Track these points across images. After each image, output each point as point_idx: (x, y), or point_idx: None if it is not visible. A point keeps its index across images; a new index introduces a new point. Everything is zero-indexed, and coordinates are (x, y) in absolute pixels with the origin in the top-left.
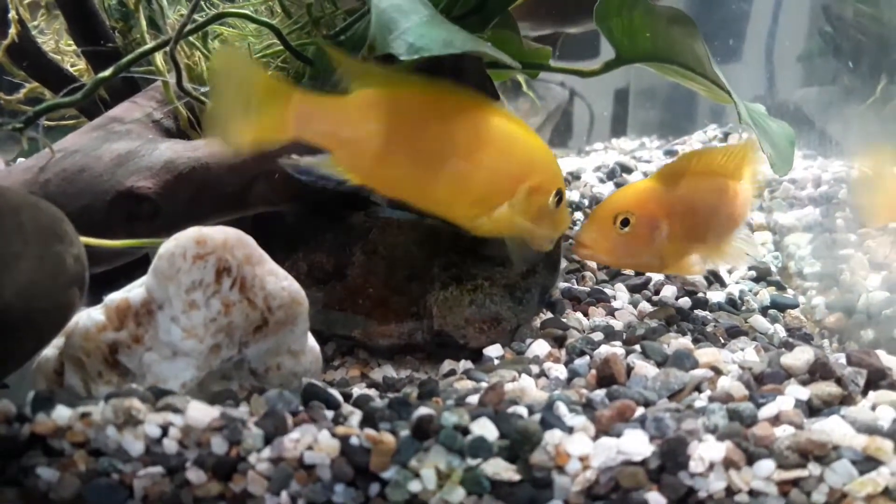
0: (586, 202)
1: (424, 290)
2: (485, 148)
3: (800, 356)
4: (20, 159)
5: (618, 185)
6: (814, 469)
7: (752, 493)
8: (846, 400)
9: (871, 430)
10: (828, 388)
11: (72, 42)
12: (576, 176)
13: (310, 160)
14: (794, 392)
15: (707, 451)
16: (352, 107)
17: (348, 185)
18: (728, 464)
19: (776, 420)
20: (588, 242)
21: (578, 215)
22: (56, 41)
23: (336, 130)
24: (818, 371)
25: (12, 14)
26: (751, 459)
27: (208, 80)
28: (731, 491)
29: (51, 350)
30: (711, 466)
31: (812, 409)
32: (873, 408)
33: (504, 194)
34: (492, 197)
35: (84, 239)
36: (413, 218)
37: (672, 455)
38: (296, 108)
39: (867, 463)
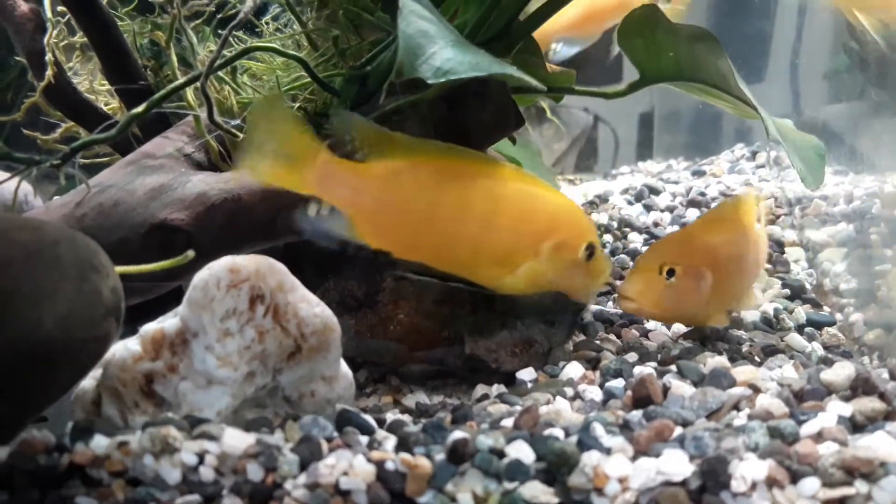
0: (615, 224)
1: (455, 314)
2: (503, 210)
3: (840, 372)
4: (56, 197)
5: (647, 207)
6: (861, 486)
7: None
8: (891, 415)
9: None
10: (871, 403)
11: (105, 81)
12: (604, 199)
13: (327, 225)
14: (836, 408)
15: (749, 469)
16: (372, 176)
17: (366, 249)
18: (771, 482)
19: (819, 437)
20: (633, 295)
21: (608, 237)
22: (90, 81)
23: (355, 197)
24: (860, 387)
25: (49, 57)
26: (794, 478)
27: (247, 116)
28: None
29: (88, 381)
30: (754, 486)
31: (855, 426)
32: None
33: (526, 253)
34: (513, 257)
35: (119, 268)
36: (434, 282)
37: (713, 475)
38: (319, 169)
39: None
